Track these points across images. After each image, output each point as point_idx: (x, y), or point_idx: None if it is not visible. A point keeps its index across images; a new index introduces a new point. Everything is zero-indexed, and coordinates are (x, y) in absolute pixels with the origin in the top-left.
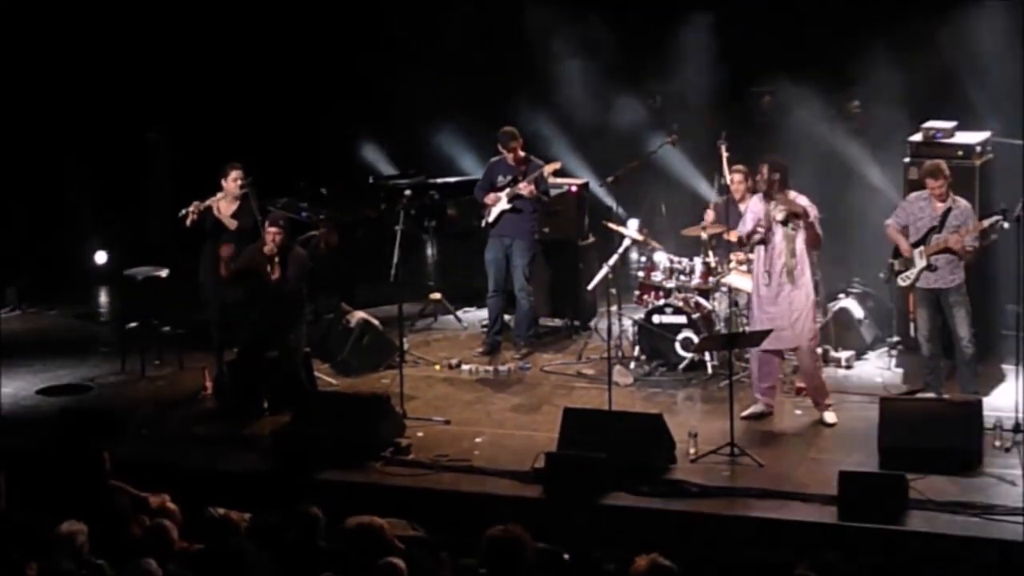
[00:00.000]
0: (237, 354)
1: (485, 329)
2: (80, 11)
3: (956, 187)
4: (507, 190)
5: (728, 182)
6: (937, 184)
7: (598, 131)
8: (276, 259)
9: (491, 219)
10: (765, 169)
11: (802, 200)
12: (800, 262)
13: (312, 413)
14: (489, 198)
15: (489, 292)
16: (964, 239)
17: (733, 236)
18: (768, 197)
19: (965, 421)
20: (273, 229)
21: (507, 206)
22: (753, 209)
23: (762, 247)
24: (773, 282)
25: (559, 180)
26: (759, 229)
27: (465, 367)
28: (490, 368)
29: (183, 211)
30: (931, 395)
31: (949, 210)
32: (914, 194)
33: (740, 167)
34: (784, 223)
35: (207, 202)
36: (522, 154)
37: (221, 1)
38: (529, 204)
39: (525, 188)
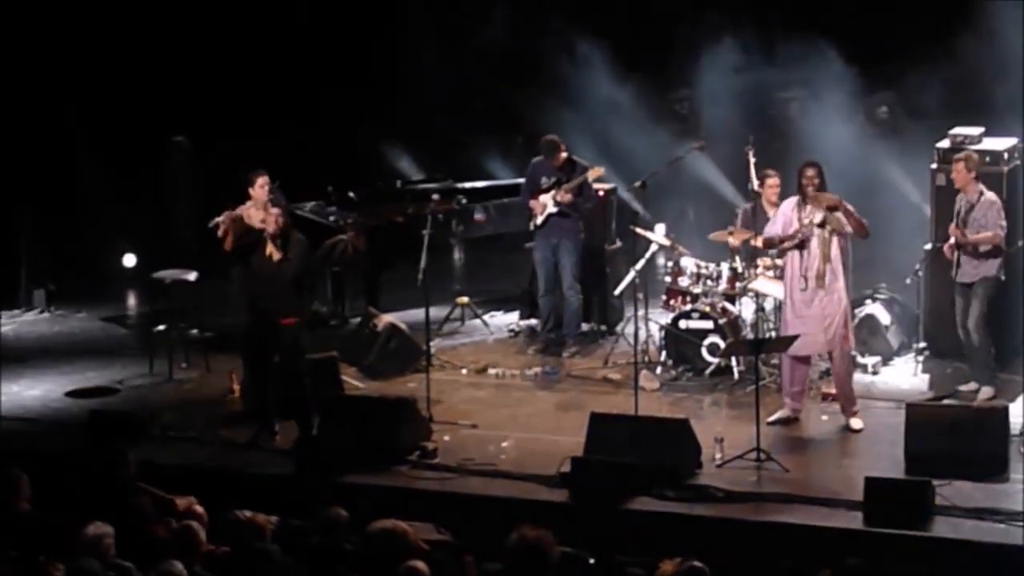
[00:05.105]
0: (243, 351)
1: (512, 333)
2: (106, 17)
3: None
4: (552, 192)
5: (756, 187)
6: (953, 174)
7: (624, 136)
8: (278, 241)
9: (539, 222)
10: (811, 171)
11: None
12: (834, 267)
13: (338, 417)
14: (534, 204)
15: (540, 292)
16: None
17: (759, 240)
18: (807, 200)
19: (991, 427)
20: (276, 211)
21: (554, 209)
22: (784, 212)
23: (796, 251)
24: (809, 286)
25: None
26: (799, 235)
27: (492, 371)
28: (516, 372)
29: (214, 221)
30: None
31: (972, 206)
32: (960, 194)
33: (773, 172)
34: (822, 225)
35: (238, 211)
36: (564, 155)
37: (249, 8)
38: (572, 208)
39: (561, 196)
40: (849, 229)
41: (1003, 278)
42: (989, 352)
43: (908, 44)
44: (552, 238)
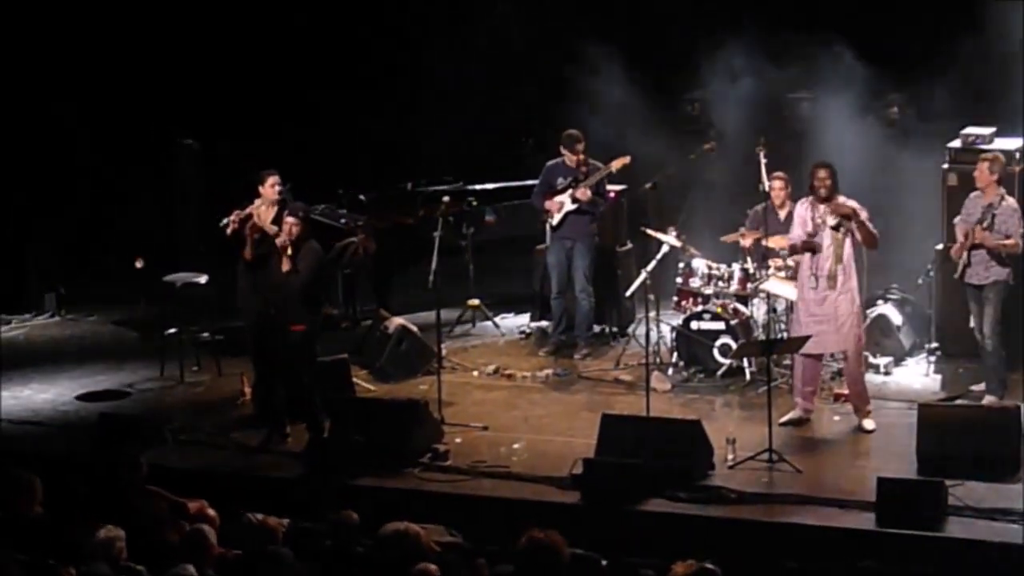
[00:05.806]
0: (253, 358)
1: (522, 335)
2: (115, 19)
3: None
4: (569, 191)
5: (767, 188)
6: (976, 172)
7: (635, 137)
8: (288, 251)
9: (555, 222)
10: (823, 172)
11: (851, 203)
12: (846, 267)
13: (349, 419)
14: (550, 204)
15: (553, 294)
16: (1004, 241)
17: (774, 242)
18: (822, 200)
19: (1003, 427)
20: (292, 220)
21: (572, 207)
22: (799, 214)
23: (808, 251)
24: (820, 286)
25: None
26: (816, 237)
27: (503, 373)
28: (528, 374)
29: (224, 220)
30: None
31: (991, 205)
32: (975, 192)
33: (780, 174)
34: (836, 227)
35: (247, 210)
36: (582, 156)
37: (258, 11)
38: (590, 205)
39: (580, 193)
40: (859, 236)
41: (1011, 282)
42: (1001, 358)
43: (916, 44)
44: (567, 240)
